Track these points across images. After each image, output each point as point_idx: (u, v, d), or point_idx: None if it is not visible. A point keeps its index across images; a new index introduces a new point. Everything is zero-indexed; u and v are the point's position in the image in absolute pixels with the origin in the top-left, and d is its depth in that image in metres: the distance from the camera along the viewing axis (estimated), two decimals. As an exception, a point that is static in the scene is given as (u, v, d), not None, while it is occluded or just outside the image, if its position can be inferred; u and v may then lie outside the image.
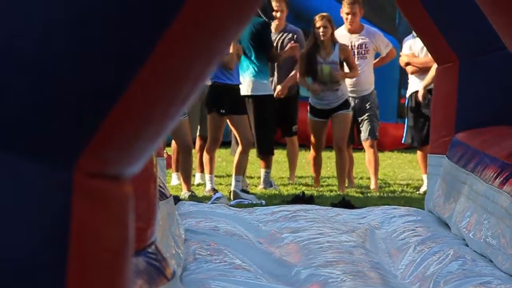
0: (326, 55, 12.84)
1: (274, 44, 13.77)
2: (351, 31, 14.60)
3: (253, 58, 12.91)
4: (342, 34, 14.62)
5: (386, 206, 10.40)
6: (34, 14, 2.23)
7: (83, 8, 2.22)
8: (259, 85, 12.77)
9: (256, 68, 12.75)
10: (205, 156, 13.07)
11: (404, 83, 16.80)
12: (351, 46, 14.40)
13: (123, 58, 2.38)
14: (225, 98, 12.18)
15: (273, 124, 13.75)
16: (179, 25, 2.31)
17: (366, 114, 14.31)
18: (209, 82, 11.64)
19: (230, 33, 2.55)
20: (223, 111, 12.12)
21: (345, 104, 13.35)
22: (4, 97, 2.25)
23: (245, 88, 12.68)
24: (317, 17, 13.24)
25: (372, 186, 14.06)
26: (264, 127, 13.19)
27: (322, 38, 12.64)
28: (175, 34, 2.33)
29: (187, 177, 12.72)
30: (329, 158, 16.62)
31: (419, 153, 13.89)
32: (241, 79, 12.71)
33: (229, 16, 2.49)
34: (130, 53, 2.38)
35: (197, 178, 13.81)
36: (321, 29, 12.70)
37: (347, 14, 14.48)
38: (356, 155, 15.99)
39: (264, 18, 13.28)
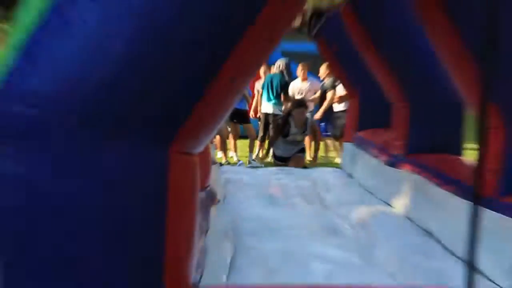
0: (298, 130, 11.82)
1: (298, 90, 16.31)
2: (302, 80, 16.31)
3: (275, 96, 15.59)
4: (297, 84, 16.37)
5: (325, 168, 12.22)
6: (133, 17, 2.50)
7: (176, 11, 2.53)
8: (276, 109, 15.60)
9: (276, 102, 15.61)
10: (232, 142, 16.41)
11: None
12: (303, 91, 16.18)
13: (205, 66, 2.75)
14: (236, 115, 15.18)
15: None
16: (253, 32, 2.76)
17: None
18: None
19: (278, 40, 3.10)
20: (235, 121, 15.82)
21: (302, 150, 13.02)
22: (128, 97, 2.58)
23: (270, 110, 15.65)
24: (295, 103, 12.15)
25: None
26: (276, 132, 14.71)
27: (296, 123, 11.44)
28: (251, 38, 2.76)
29: (224, 153, 15.93)
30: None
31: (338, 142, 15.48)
32: (267, 105, 15.78)
33: (281, 28, 3.06)
34: (213, 58, 2.75)
35: (230, 154, 16.45)
36: (298, 116, 11.42)
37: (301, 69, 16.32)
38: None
39: (286, 77, 16.14)
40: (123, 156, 2.52)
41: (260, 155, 15.70)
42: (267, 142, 15.40)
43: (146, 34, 2.45)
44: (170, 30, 2.48)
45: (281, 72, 16.01)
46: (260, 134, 16.01)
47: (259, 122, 16.33)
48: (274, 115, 15.37)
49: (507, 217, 4.95)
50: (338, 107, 15.20)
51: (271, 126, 15.22)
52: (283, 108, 15.57)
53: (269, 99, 15.73)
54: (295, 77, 16.71)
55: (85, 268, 2.48)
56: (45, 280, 2.47)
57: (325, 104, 15.54)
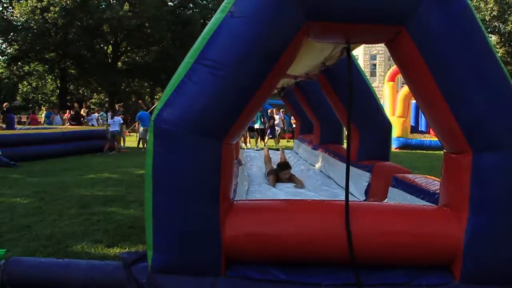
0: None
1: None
2: (275, 114, 17.94)
3: (261, 122, 16.18)
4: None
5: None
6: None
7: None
8: (261, 126, 16.27)
9: (261, 123, 16.21)
10: (247, 139, 15.97)
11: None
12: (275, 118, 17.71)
13: (248, 85, 2.29)
14: (248, 128, 14.84)
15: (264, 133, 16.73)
16: (276, 67, 2.32)
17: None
18: None
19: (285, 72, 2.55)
20: (248, 131, 15.70)
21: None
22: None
23: (258, 126, 16.13)
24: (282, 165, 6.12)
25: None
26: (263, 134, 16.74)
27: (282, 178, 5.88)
28: (274, 72, 2.32)
29: (244, 143, 15.06)
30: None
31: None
32: (258, 125, 16.09)
33: (288, 66, 2.48)
34: (254, 89, 2.31)
35: (247, 144, 15.52)
36: (286, 176, 5.82)
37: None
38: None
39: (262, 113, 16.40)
40: (205, 145, 2.28)
41: (259, 145, 15.64)
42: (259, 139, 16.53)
43: (232, 91, 2.25)
44: (242, 75, 2.24)
45: (261, 111, 15.96)
46: (257, 136, 16.41)
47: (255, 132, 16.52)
48: (261, 129, 16.35)
49: (358, 169, 4.89)
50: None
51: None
52: (264, 125, 16.64)
53: (258, 122, 16.23)
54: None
55: (188, 190, 2.28)
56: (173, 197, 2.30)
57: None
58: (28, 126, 15.95)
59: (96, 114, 18.21)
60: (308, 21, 2.25)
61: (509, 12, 30.49)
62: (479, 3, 30.04)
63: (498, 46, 30.78)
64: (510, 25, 30.30)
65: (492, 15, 30.05)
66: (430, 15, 2.19)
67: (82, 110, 19.28)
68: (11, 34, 29.28)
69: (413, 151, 15.68)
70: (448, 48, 2.20)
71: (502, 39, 31.06)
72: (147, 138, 2.38)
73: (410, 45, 2.28)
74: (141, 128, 14.69)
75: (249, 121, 2.47)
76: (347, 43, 2.51)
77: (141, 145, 14.89)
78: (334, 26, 2.29)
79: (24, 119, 27.98)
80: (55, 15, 26.86)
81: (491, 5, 29.82)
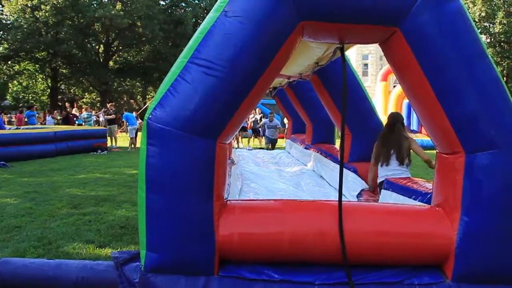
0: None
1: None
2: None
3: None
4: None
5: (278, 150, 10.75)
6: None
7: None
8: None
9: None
10: (240, 138, 15.58)
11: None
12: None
13: (242, 84, 2.26)
14: (241, 128, 14.27)
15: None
16: (269, 70, 2.30)
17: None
18: None
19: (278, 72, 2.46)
20: (241, 130, 14.63)
21: None
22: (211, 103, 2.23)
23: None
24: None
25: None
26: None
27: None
28: (267, 75, 2.30)
29: (237, 143, 14.56)
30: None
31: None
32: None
33: (281, 66, 2.43)
34: (248, 88, 2.28)
35: (240, 144, 15.13)
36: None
37: None
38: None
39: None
40: (199, 144, 2.25)
41: (252, 145, 15.34)
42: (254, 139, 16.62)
43: (225, 90, 2.23)
44: (237, 76, 2.22)
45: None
46: (250, 136, 16.68)
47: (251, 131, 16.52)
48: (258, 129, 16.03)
49: (349, 171, 5.04)
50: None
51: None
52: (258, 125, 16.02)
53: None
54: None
55: (182, 189, 2.25)
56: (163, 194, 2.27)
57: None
58: (16, 126, 15.74)
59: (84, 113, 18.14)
60: (302, 21, 2.24)
61: (498, 12, 30.69)
62: (467, 4, 30.22)
63: (487, 47, 31.06)
64: (499, 26, 30.55)
65: (480, 16, 30.25)
66: (424, 16, 2.20)
67: (74, 109, 19.01)
68: (1, 32, 28.94)
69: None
70: (441, 49, 2.21)
71: (492, 40, 31.33)
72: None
73: (404, 46, 2.28)
74: (129, 127, 15.13)
75: (243, 120, 2.47)
76: (341, 43, 2.50)
77: (133, 146, 14.91)
78: (329, 26, 2.29)
79: (14, 118, 27.55)
80: (46, 14, 26.61)
81: (479, 6, 30.02)
